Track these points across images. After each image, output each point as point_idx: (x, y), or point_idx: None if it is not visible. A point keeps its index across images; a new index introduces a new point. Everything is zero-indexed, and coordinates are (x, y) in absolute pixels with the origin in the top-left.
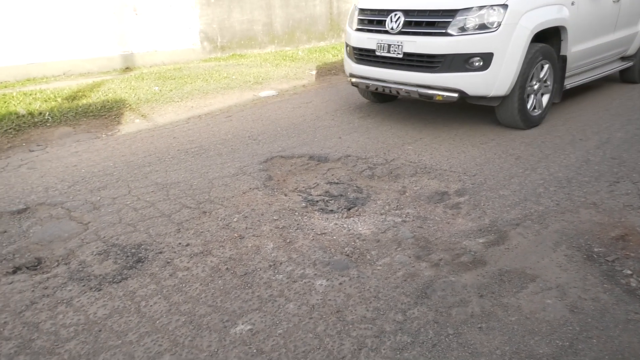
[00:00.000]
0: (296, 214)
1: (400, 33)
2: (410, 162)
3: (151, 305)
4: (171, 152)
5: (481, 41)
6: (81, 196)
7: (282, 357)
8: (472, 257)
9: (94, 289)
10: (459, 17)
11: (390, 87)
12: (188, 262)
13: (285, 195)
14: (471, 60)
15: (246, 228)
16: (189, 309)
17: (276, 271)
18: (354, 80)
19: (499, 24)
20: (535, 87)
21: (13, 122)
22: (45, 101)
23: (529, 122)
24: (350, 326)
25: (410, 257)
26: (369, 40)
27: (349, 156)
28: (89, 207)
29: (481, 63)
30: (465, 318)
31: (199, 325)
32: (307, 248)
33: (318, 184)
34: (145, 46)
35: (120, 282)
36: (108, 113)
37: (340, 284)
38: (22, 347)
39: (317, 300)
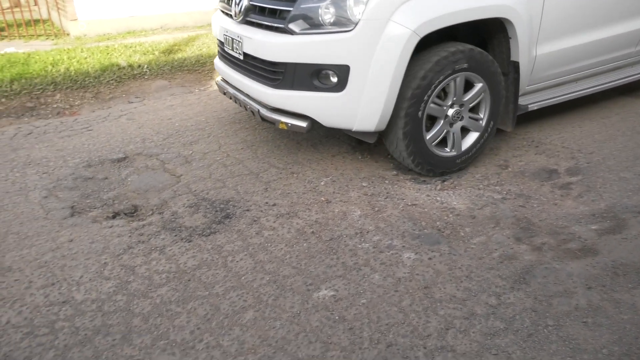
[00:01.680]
0: (386, 182)
1: (245, 22)
2: (515, 134)
3: (237, 261)
4: None
5: (331, 46)
6: (174, 149)
7: (364, 327)
8: (582, 245)
9: (184, 240)
10: (302, 6)
11: (238, 99)
12: (274, 222)
13: (376, 161)
14: (322, 74)
15: (333, 192)
16: (273, 268)
17: (362, 239)
18: (217, 79)
19: (356, 21)
20: (450, 112)
21: (114, 74)
22: (144, 54)
23: (430, 165)
24: (438, 304)
25: (509, 238)
26: (220, 29)
27: None
28: (181, 160)
29: (335, 80)
30: (569, 310)
31: (282, 285)
32: (396, 218)
33: None
34: None
35: (209, 235)
36: (201, 68)
37: (430, 259)
38: (120, 288)
39: (404, 273)
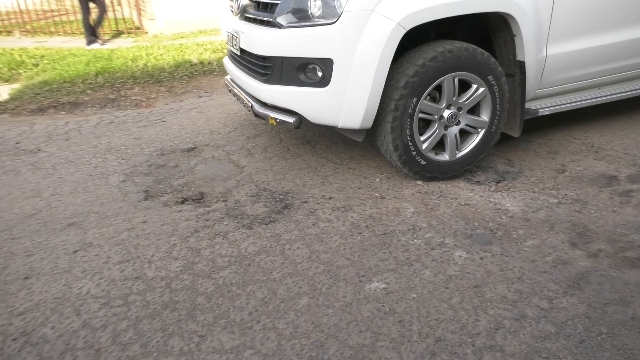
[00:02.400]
0: (440, 181)
1: (243, 18)
2: (574, 138)
3: (294, 250)
4: None
5: (315, 39)
6: (239, 142)
7: (413, 321)
8: None
9: (246, 227)
10: None
11: (239, 96)
12: (330, 215)
13: None
14: (308, 68)
15: (388, 189)
16: (327, 258)
17: (415, 236)
18: (226, 78)
19: (339, 13)
20: (446, 114)
21: (187, 70)
22: (214, 52)
23: (421, 169)
24: (488, 304)
25: (563, 243)
26: (227, 25)
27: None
28: (245, 152)
29: (320, 74)
30: (624, 319)
31: (336, 275)
32: (448, 217)
33: None
34: None
35: (268, 224)
36: None
37: (481, 258)
38: (186, 268)
39: (455, 271)
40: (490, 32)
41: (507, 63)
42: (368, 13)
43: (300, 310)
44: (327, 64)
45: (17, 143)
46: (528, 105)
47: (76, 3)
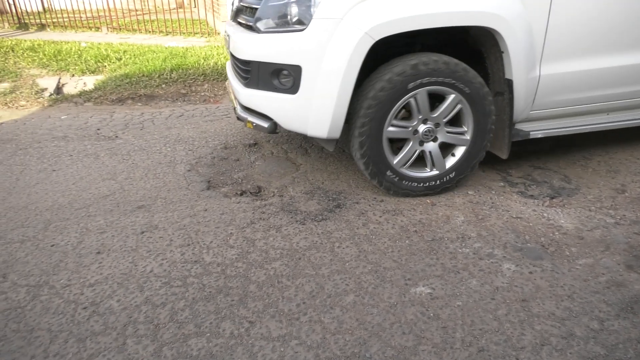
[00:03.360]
0: (492, 192)
1: (236, 22)
2: (637, 158)
3: (343, 248)
4: None
5: (285, 45)
6: (297, 141)
7: (457, 328)
8: None
9: (299, 222)
10: (267, 4)
11: (230, 97)
12: (380, 217)
13: (483, 171)
14: (281, 74)
15: (438, 196)
16: (375, 259)
17: (463, 244)
18: (227, 82)
19: (309, 20)
20: (421, 129)
21: None
22: None
23: (391, 183)
24: (535, 319)
25: (619, 264)
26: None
27: (559, 145)
28: (302, 151)
29: (291, 81)
30: None
31: (382, 276)
32: (499, 228)
33: (520, 165)
34: None
35: (320, 221)
36: None
37: (531, 272)
38: (241, 256)
39: (503, 283)
40: (482, 48)
41: (497, 81)
42: (337, 21)
43: (345, 307)
44: (296, 71)
45: (98, 129)
46: (520, 126)
47: (158, 3)
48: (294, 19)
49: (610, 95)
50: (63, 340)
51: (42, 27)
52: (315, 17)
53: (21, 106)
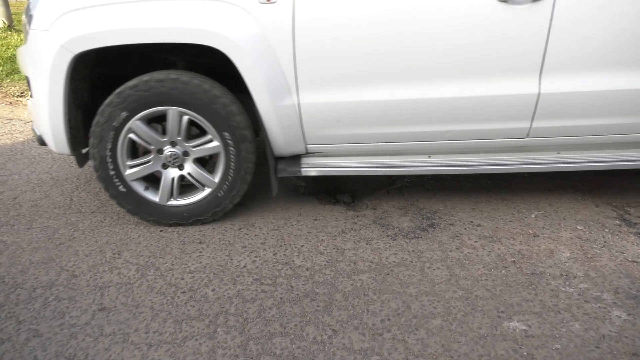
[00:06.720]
0: (606, 229)
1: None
2: None
3: (434, 270)
4: None
5: (23, 54)
6: None
7: None
8: None
9: (390, 237)
10: (30, 12)
11: None
12: (475, 242)
13: (597, 206)
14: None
15: (542, 227)
16: (467, 285)
17: (567, 283)
18: None
19: (29, 30)
20: (167, 151)
21: None
22: None
23: (118, 195)
24: None
25: None
26: None
27: None
28: None
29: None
30: None
31: (473, 304)
32: (610, 271)
33: None
34: None
35: (412, 239)
36: None
37: None
38: (330, 264)
39: (610, 331)
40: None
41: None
42: (44, 32)
43: (431, 330)
44: (28, 81)
45: None
46: (305, 160)
47: None
48: (27, 30)
49: (408, 135)
50: (162, 320)
51: None
52: (31, 28)
53: None
